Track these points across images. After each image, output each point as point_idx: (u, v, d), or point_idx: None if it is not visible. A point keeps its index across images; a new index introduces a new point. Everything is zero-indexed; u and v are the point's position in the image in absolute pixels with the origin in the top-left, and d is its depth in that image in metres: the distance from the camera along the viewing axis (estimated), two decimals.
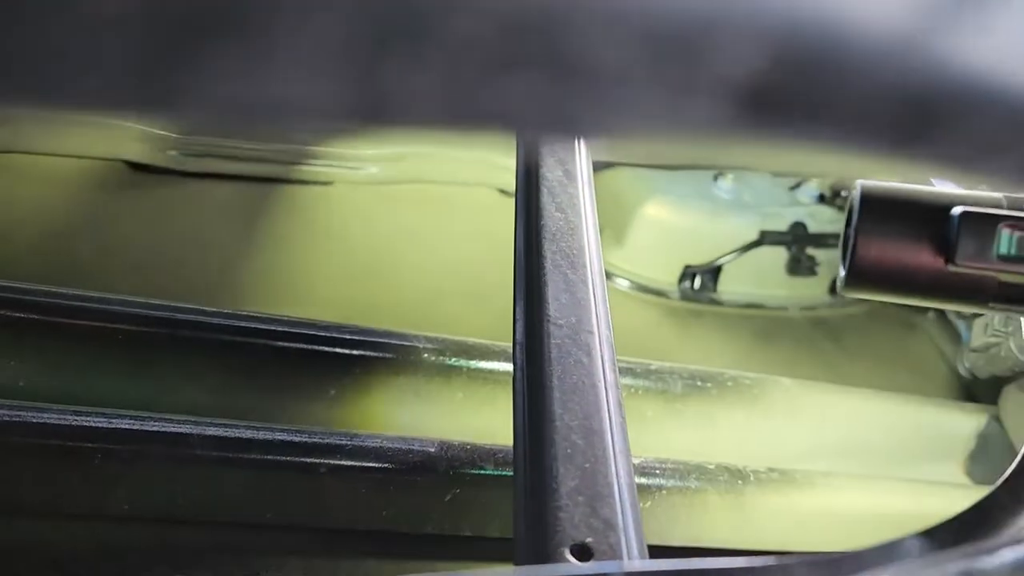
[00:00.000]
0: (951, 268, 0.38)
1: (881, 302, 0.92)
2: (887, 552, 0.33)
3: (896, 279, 0.40)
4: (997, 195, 0.40)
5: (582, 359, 0.52)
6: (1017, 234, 0.37)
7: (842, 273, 0.42)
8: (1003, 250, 0.37)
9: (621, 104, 0.17)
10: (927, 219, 0.39)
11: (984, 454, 0.90)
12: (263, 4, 0.15)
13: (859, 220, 0.40)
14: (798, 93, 0.18)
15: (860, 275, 0.41)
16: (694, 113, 0.17)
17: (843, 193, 1.14)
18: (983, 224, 0.38)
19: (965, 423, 0.90)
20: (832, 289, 1.12)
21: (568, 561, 0.40)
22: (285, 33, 0.15)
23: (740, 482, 0.69)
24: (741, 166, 1.08)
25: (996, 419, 0.91)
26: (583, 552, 0.41)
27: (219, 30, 0.15)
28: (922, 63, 0.18)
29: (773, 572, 0.31)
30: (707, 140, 0.18)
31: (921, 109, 0.18)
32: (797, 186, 1.16)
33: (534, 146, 0.69)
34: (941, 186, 0.41)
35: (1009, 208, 0.39)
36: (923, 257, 0.39)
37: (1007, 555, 0.31)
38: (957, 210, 0.39)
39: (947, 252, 0.38)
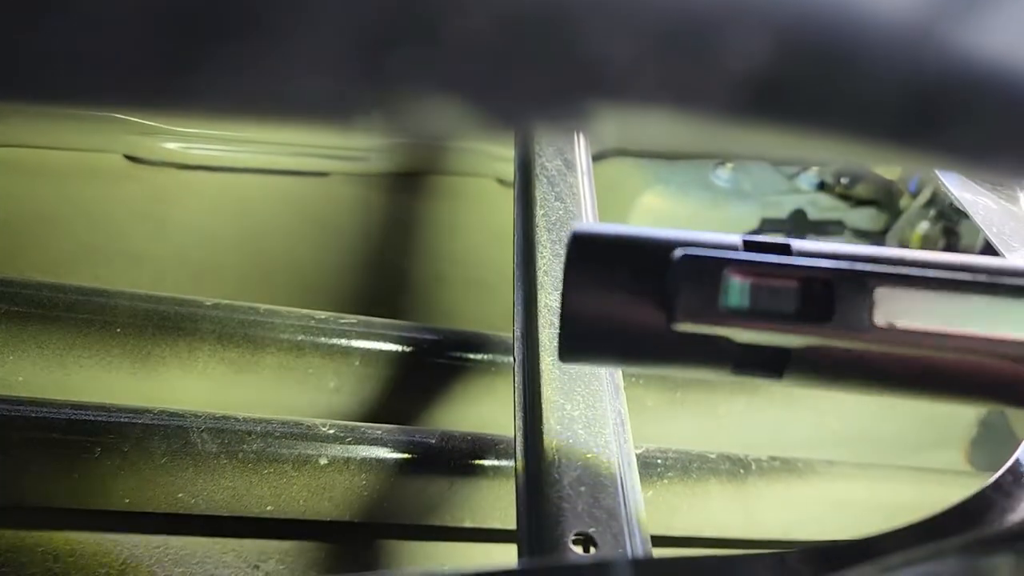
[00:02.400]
0: (675, 327, 0.30)
1: None
2: (890, 540, 0.33)
3: (616, 343, 0.32)
4: (732, 238, 0.32)
5: None
6: (749, 281, 0.30)
7: (557, 337, 0.33)
8: (733, 302, 0.30)
9: (629, 98, 0.17)
10: (647, 267, 0.31)
11: (986, 442, 0.90)
12: (270, 3, 0.15)
13: (569, 272, 0.31)
14: (807, 84, 0.17)
15: (575, 340, 0.32)
16: (703, 105, 0.17)
17: (843, 180, 1.13)
18: (706, 269, 0.30)
19: (967, 410, 0.90)
20: None
21: (571, 551, 0.40)
22: (296, 33, 0.15)
23: (742, 471, 0.69)
24: (748, 157, 1.07)
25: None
26: (586, 542, 0.41)
27: (227, 28, 0.15)
28: (932, 54, 0.17)
29: (774, 562, 0.30)
30: (716, 132, 0.18)
31: (930, 100, 0.18)
32: (797, 174, 1.15)
33: (532, 136, 0.69)
34: (669, 231, 0.32)
35: (745, 250, 0.31)
36: (643, 314, 0.31)
37: (1011, 542, 0.30)
38: (677, 253, 0.30)
39: (668, 306, 0.30)
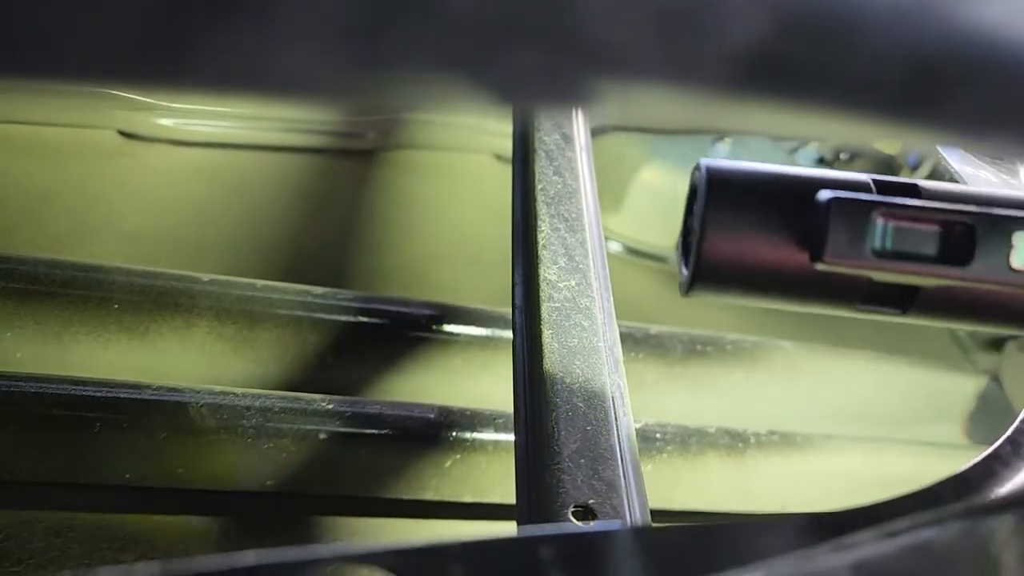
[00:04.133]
0: (818, 266, 0.31)
1: None
2: (890, 508, 0.33)
3: (751, 280, 0.33)
4: (863, 177, 0.33)
5: (581, 322, 0.52)
6: (892, 223, 0.31)
7: (684, 272, 0.34)
8: (876, 244, 0.31)
9: (624, 73, 0.17)
10: (787, 207, 0.32)
11: (984, 415, 0.90)
12: None
13: (707, 208, 0.32)
14: (804, 58, 0.17)
15: (708, 275, 0.33)
16: (700, 80, 0.17)
17: (842, 155, 1.13)
18: (855, 212, 0.31)
19: (965, 385, 0.91)
20: None
21: (571, 523, 0.40)
22: (291, 8, 0.15)
23: (741, 445, 0.69)
24: (746, 132, 1.07)
25: (995, 380, 0.92)
26: (586, 513, 0.41)
27: (221, 4, 0.14)
28: (930, 27, 0.17)
29: (776, 531, 0.30)
30: (713, 107, 0.18)
31: (929, 74, 0.18)
32: (796, 149, 1.15)
33: (530, 111, 0.69)
34: (797, 169, 0.33)
35: (878, 192, 0.32)
36: (784, 253, 0.32)
37: (1009, 508, 0.31)
38: (824, 195, 0.31)
39: (813, 247, 0.31)
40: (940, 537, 0.27)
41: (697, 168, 0.34)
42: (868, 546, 0.26)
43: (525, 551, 0.26)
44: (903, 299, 0.33)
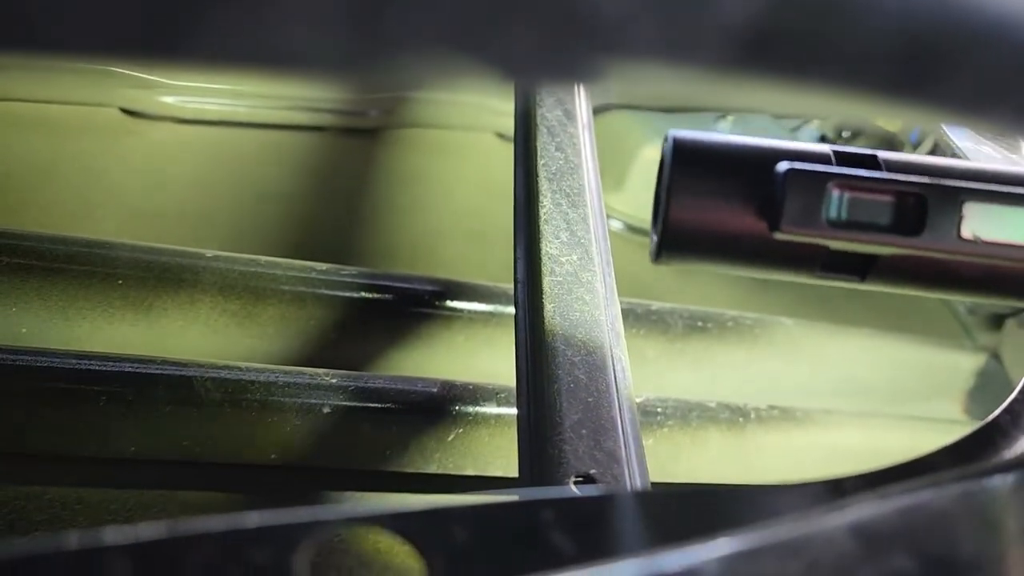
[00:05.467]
0: (776, 235, 0.32)
1: None
2: (887, 474, 0.33)
3: (714, 247, 0.34)
4: (824, 148, 0.34)
5: (583, 296, 0.52)
6: (848, 195, 0.32)
7: (654, 239, 0.35)
8: (832, 214, 0.32)
9: (624, 50, 0.17)
10: (750, 177, 0.33)
11: (984, 392, 0.90)
12: None
13: (672, 177, 0.33)
14: (800, 34, 0.17)
15: (674, 242, 0.34)
16: (697, 56, 0.17)
17: (844, 133, 1.13)
18: (811, 183, 0.32)
19: (964, 361, 0.91)
20: None
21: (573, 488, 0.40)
22: None
23: (741, 419, 0.69)
24: (745, 109, 1.07)
25: (995, 357, 0.92)
26: (587, 483, 0.42)
27: None
28: (928, 2, 0.17)
29: (774, 495, 0.31)
30: (710, 84, 0.18)
31: (927, 50, 0.18)
32: (798, 127, 1.15)
33: (532, 87, 0.69)
34: (762, 140, 0.34)
35: (838, 163, 0.33)
36: (745, 222, 0.33)
37: (1007, 475, 0.31)
38: (782, 166, 0.32)
39: (771, 216, 0.32)
40: (938, 499, 0.27)
41: (666, 138, 0.35)
42: (866, 508, 0.27)
43: (528, 513, 0.27)
44: (861, 267, 0.34)
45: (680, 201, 0.33)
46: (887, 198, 0.32)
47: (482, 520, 0.26)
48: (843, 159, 0.33)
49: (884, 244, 0.32)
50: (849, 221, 0.32)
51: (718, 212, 0.33)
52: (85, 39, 0.15)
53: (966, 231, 0.31)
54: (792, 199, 0.32)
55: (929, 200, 0.31)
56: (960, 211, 0.31)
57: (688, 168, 0.33)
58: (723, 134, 0.35)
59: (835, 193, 0.32)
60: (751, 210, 0.33)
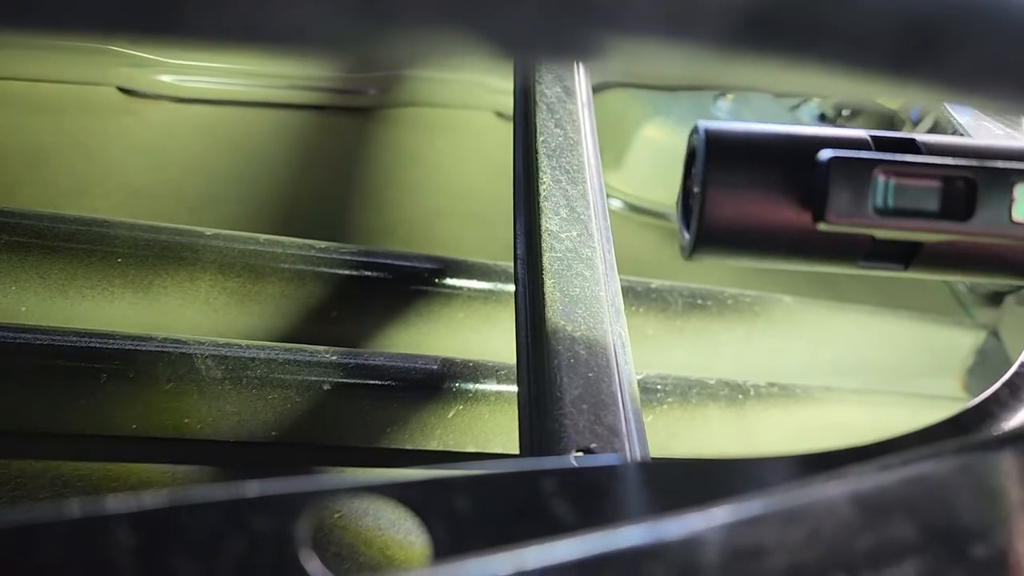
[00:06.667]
0: (820, 226, 0.31)
1: None
2: (887, 446, 0.33)
3: (753, 242, 0.33)
4: (861, 134, 0.33)
5: (583, 272, 0.52)
6: (893, 181, 0.31)
7: (686, 236, 0.34)
8: (879, 202, 0.30)
9: (623, 27, 0.17)
10: (788, 167, 0.32)
11: (983, 369, 0.91)
12: None
13: (707, 171, 0.32)
14: (800, 11, 0.17)
15: (711, 238, 0.33)
16: (695, 34, 0.17)
17: (844, 112, 1.13)
18: (855, 171, 0.30)
19: (963, 339, 0.91)
20: None
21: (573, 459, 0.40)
22: None
23: (740, 396, 0.69)
24: (745, 88, 1.06)
25: (994, 334, 0.92)
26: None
27: None
28: None
29: (774, 465, 0.31)
30: (710, 62, 0.18)
31: (926, 29, 0.18)
32: (798, 106, 1.14)
33: (531, 64, 0.68)
34: (796, 127, 0.33)
35: (876, 148, 0.32)
36: (786, 214, 0.32)
37: (1007, 445, 0.31)
38: (825, 154, 0.31)
39: (814, 207, 0.31)
40: (938, 469, 0.27)
41: (695, 131, 0.33)
42: (866, 478, 0.27)
43: (529, 483, 0.27)
44: (905, 255, 0.33)
45: (717, 197, 0.32)
46: (935, 183, 0.31)
47: (483, 490, 0.26)
48: (882, 144, 0.32)
49: (933, 231, 0.31)
50: (896, 208, 0.31)
51: (757, 206, 0.32)
52: (83, 16, 0.15)
53: (1018, 214, 0.30)
54: (837, 188, 0.30)
55: (979, 183, 0.30)
56: (1011, 194, 0.30)
57: (723, 162, 0.32)
58: (753, 123, 0.34)
59: (881, 180, 0.31)
60: (792, 202, 0.32)
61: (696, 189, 0.33)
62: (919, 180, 0.31)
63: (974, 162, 0.31)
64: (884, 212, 0.31)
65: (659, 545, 0.22)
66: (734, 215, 0.32)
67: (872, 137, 0.32)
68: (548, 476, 0.27)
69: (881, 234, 0.31)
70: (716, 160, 0.32)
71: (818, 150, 0.31)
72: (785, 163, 0.32)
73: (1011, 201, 0.30)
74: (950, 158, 0.31)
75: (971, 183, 0.30)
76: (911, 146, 0.32)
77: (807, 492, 0.26)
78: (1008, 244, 0.32)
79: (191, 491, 0.24)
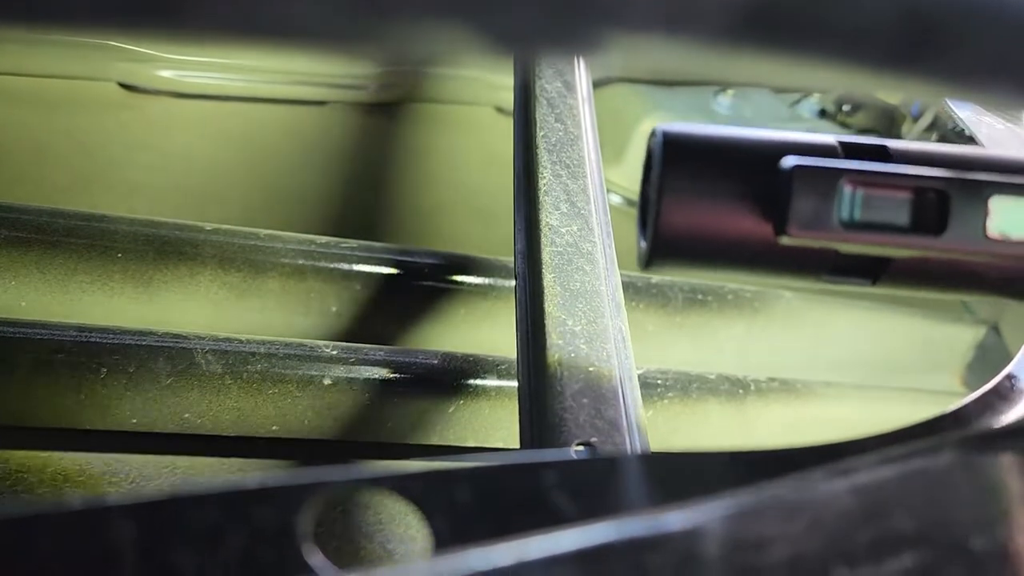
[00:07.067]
0: (782, 239, 0.29)
1: None
2: (887, 438, 0.33)
3: (711, 253, 0.31)
4: (829, 139, 0.31)
5: (583, 266, 0.52)
6: (860, 191, 0.28)
7: (643, 245, 0.32)
8: (844, 215, 0.28)
9: (623, 22, 0.17)
10: (749, 174, 0.30)
11: (982, 365, 0.91)
12: None
13: (663, 177, 0.30)
14: (800, 6, 0.17)
15: (666, 248, 0.31)
16: (695, 29, 0.17)
17: (845, 108, 1.13)
18: (821, 180, 0.28)
19: (963, 334, 0.91)
20: None
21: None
22: None
23: (741, 391, 0.69)
24: (745, 83, 1.06)
25: (995, 330, 0.92)
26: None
27: None
28: None
29: (775, 458, 0.31)
30: (709, 57, 0.18)
31: (927, 23, 0.18)
32: (798, 101, 1.14)
33: (532, 59, 0.68)
34: (758, 131, 0.31)
35: (845, 155, 0.30)
36: (746, 225, 0.30)
37: (1007, 439, 0.31)
38: (788, 162, 0.29)
39: (776, 218, 0.29)
40: (938, 462, 0.27)
41: (653, 134, 0.31)
42: (866, 471, 0.27)
43: (530, 475, 0.27)
44: (873, 270, 0.31)
45: (672, 204, 0.30)
46: (905, 194, 0.29)
47: (484, 482, 0.26)
48: (850, 151, 0.30)
49: (902, 246, 0.29)
50: (864, 221, 0.29)
51: (715, 215, 0.30)
52: (85, 10, 0.15)
53: (992, 229, 0.28)
54: (800, 199, 0.28)
55: (952, 196, 0.28)
56: (986, 207, 0.28)
57: (680, 166, 0.30)
58: (715, 126, 0.31)
59: (847, 190, 0.28)
60: (752, 212, 0.30)
61: (652, 196, 0.31)
62: (888, 191, 0.29)
63: (948, 172, 0.29)
64: (850, 225, 0.29)
65: (660, 536, 0.22)
66: (691, 224, 0.30)
67: (841, 143, 0.31)
68: (549, 468, 0.27)
69: (847, 248, 0.30)
70: (673, 165, 0.30)
71: (782, 156, 0.29)
72: (746, 170, 0.30)
73: (986, 215, 0.28)
74: (922, 167, 0.29)
75: (944, 195, 0.28)
76: (882, 153, 0.30)
77: (808, 484, 0.26)
78: (982, 261, 0.30)
79: (192, 483, 0.24)
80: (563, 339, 0.47)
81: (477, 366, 0.62)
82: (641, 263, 0.32)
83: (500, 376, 0.62)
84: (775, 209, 0.29)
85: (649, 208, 0.31)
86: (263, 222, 0.71)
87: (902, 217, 0.29)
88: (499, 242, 0.81)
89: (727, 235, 0.30)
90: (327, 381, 0.59)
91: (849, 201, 0.29)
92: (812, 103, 1.14)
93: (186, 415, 0.57)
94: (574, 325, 0.48)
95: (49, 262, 0.61)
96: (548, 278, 0.51)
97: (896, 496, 0.26)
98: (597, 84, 1.02)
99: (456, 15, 0.16)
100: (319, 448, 0.61)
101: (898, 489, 0.26)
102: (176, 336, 0.57)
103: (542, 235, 0.53)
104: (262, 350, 0.58)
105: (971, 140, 0.64)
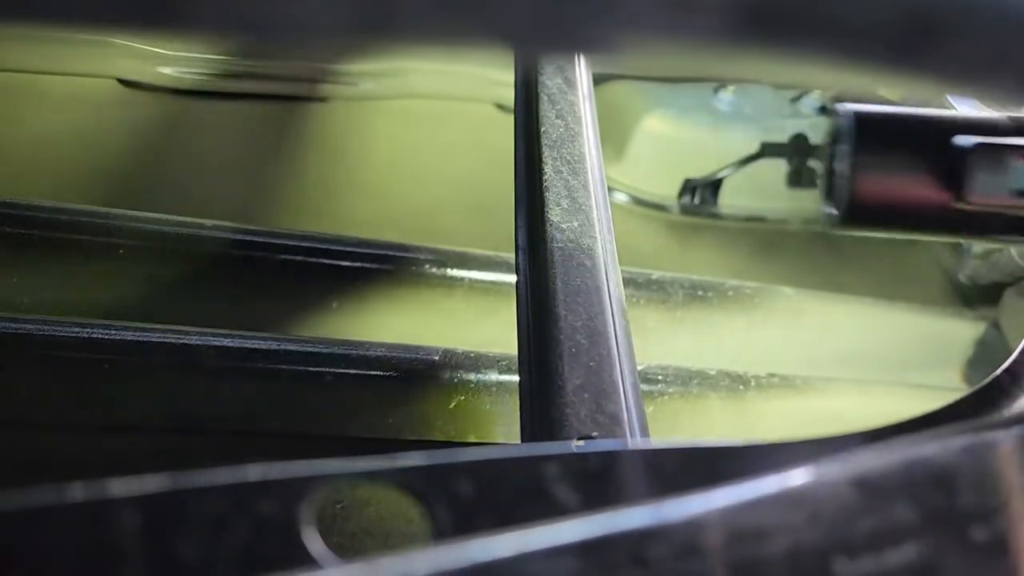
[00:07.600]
0: (960, 205, 0.34)
1: None
2: (888, 431, 0.33)
3: (897, 216, 0.36)
4: (999, 116, 0.36)
5: (584, 262, 0.52)
6: None
7: (832, 210, 0.37)
8: (1018, 184, 0.34)
9: (624, 20, 0.17)
10: (931, 148, 0.35)
11: (982, 360, 0.91)
12: None
13: (857, 151, 0.36)
14: (800, 3, 0.17)
15: (858, 213, 0.36)
16: (696, 27, 0.17)
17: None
18: (995, 157, 0.34)
19: (964, 330, 0.91)
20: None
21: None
22: None
23: (741, 387, 0.69)
24: (745, 80, 1.06)
25: (995, 325, 0.92)
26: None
27: None
28: None
29: (777, 450, 0.31)
30: (709, 54, 0.18)
31: (926, 20, 0.18)
32: (798, 98, 1.14)
33: (533, 56, 0.68)
34: (938, 108, 0.37)
35: (1014, 131, 0.35)
36: (927, 192, 0.35)
37: (1007, 430, 0.31)
38: (967, 141, 0.34)
39: (955, 187, 0.34)
40: (939, 452, 0.27)
41: (838, 113, 0.37)
42: (866, 461, 0.27)
43: (532, 467, 0.27)
44: None
45: (865, 176, 0.35)
46: None
47: (486, 474, 0.26)
48: (1018, 126, 0.35)
49: None
50: None
51: (902, 185, 0.35)
52: (84, 8, 0.15)
53: None
54: (978, 172, 0.34)
55: None
56: None
57: (871, 143, 0.35)
58: (894, 106, 0.37)
59: (1020, 165, 0.33)
60: (935, 182, 0.35)
61: (844, 169, 0.36)
62: None
63: None
64: (1021, 193, 0.34)
65: (661, 527, 0.22)
66: (880, 194, 0.36)
67: (1010, 118, 0.36)
68: (550, 461, 0.27)
69: (1016, 212, 0.35)
70: (865, 142, 0.35)
71: (958, 133, 0.35)
72: (929, 145, 0.35)
73: None
74: None
75: None
76: None
77: (808, 475, 0.26)
78: None
79: (195, 475, 0.24)
80: (564, 334, 0.47)
81: (478, 362, 0.62)
82: (832, 225, 0.38)
83: (501, 372, 0.62)
84: (954, 179, 0.35)
85: (839, 181, 0.36)
86: (264, 218, 0.71)
87: None
88: (500, 238, 0.81)
89: (912, 203, 0.36)
90: (328, 377, 0.59)
91: (1022, 174, 0.34)
92: (813, 99, 1.14)
93: (186, 411, 0.57)
94: (575, 320, 0.48)
95: (50, 258, 0.62)
96: (549, 274, 0.51)
97: (897, 487, 0.26)
98: (598, 80, 1.02)
99: (459, 12, 0.16)
100: (320, 444, 0.61)
101: (899, 480, 0.26)
102: (177, 332, 0.57)
103: (543, 231, 0.53)
104: (263, 346, 0.58)
105: None
